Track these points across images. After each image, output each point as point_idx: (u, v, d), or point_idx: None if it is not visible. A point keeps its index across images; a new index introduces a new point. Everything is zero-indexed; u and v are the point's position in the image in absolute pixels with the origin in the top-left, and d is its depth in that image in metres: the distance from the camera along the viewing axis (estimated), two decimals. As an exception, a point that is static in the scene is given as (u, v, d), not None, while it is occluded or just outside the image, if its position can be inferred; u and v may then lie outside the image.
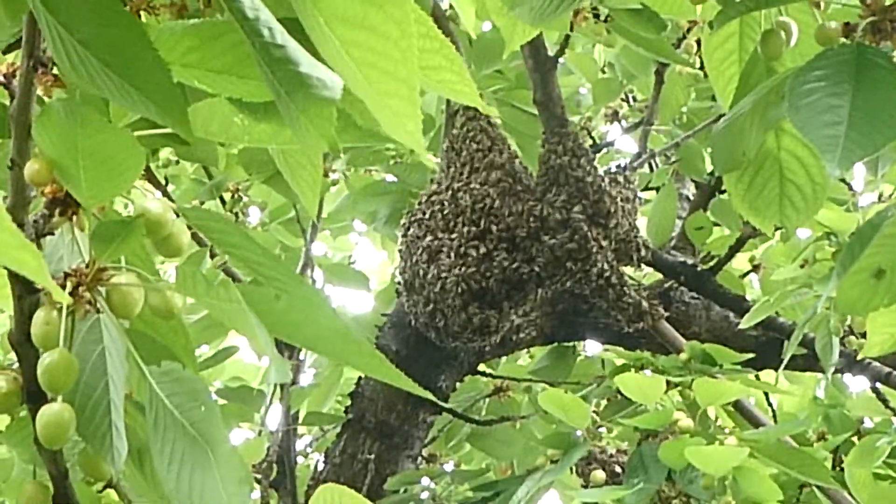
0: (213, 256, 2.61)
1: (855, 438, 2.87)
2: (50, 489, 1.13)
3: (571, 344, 2.90)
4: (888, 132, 1.14)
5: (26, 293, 1.01)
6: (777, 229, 3.01)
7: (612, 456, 2.23)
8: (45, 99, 1.02)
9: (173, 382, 0.98)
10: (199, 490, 0.94)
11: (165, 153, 2.73)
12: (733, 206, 1.44)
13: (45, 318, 0.98)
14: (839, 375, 3.03)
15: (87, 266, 1.00)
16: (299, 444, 3.14)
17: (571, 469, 2.25)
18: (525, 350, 3.21)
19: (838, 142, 1.05)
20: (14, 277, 1.00)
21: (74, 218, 1.01)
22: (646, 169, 3.40)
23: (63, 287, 0.99)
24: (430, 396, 1.01)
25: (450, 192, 2.45)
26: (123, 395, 1.03)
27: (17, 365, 1.06)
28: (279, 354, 0.91)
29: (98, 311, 1.00)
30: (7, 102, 0.96)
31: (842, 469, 2.59)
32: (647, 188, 3.40)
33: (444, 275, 2.39)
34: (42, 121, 0.95)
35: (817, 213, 1.42)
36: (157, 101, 0.85)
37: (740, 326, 2.53)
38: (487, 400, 3.04)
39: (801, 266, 2.58)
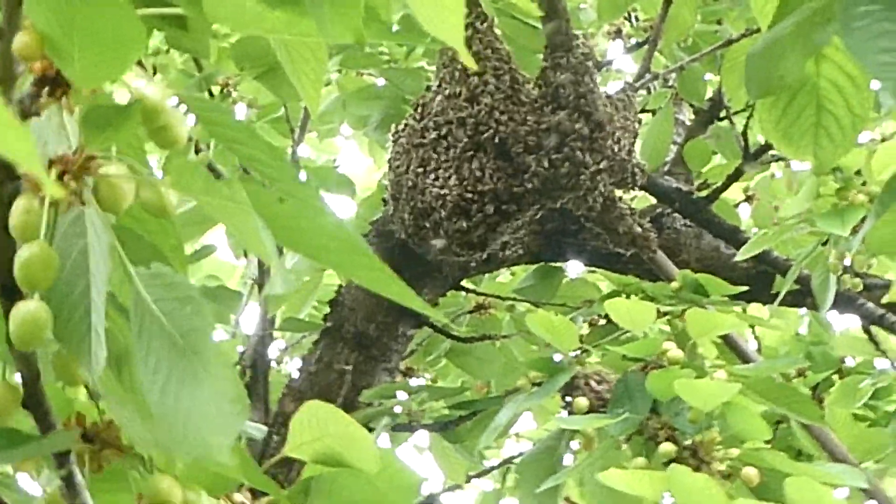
0: (197, 151, 2.52)
1: (836, 377, 2.86)
2: (20, 390, 1.06)
3: (558, 264, 2.85)
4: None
5: (7, 179, 0.92)
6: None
7: (596, 383, 2.18)
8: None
9: (163, 287, 0.89)
10: (186, 405, 0.86)
11: (156, 41, 2.63)
12: (762, 132, 1.36)
13: (25, 207, 0.89)
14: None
15: (74, 153, 0.91)
16: (273, 349, 3.09)
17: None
18: (507, 269, 3.16)
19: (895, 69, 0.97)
20: (-7, 161, 0.92)
21: (64, 99, 0.92)
22: (643, 91, 3.33)
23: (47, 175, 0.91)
24: (435, 314, 0.93)
25: (445, 101, 2.38)
26: (105, 296, 0.95)
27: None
28: (281, 263, 0.84)
29: (83, 204, 0.92)
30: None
31: (820, 407, 2.58)
32: (643, 110, 3.33)
33: (433, 185, 2.33)
34: (34, -11, 0.86)
35: (853, 147, 1.35)
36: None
37: (736, 259, 2.49)
38: (468, 316, 2.99)
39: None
